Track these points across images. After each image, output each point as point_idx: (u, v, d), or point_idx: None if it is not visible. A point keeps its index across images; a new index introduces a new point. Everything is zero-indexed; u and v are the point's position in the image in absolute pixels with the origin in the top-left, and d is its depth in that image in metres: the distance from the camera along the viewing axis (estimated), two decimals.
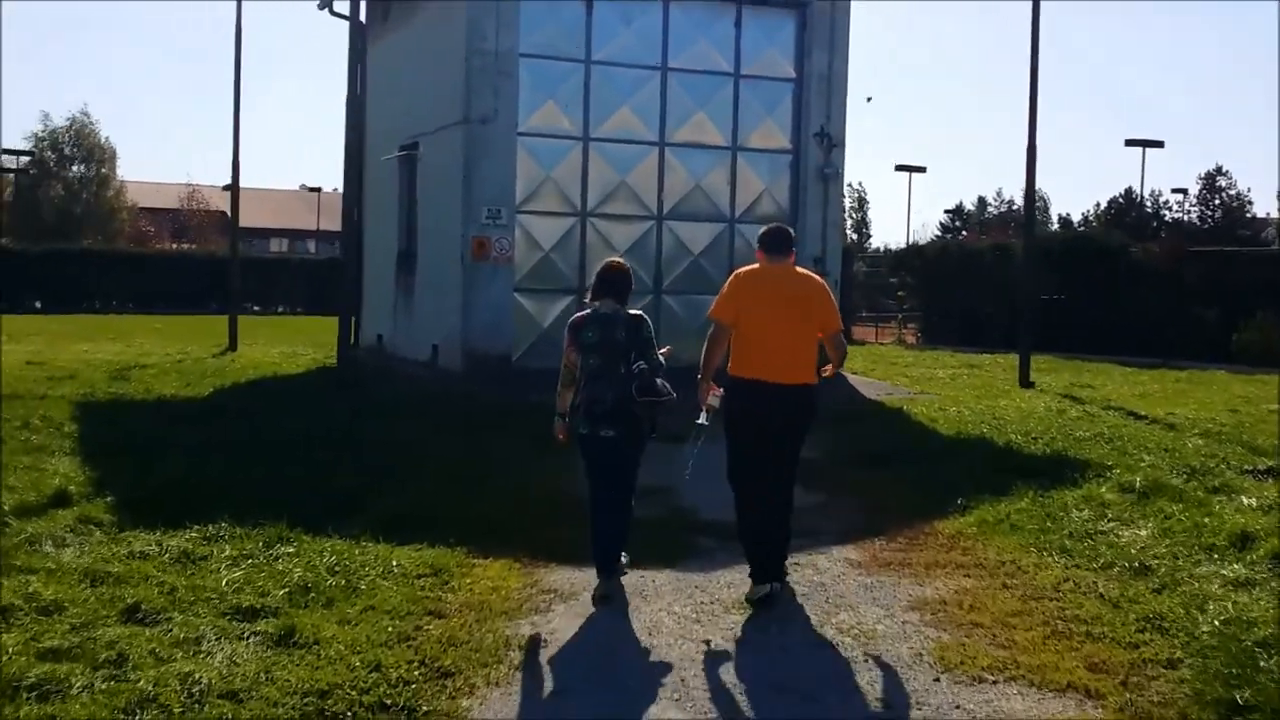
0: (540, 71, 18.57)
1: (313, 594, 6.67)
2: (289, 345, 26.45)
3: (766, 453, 7.14)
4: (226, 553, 7.40)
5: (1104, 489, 9.83)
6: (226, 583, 6.77)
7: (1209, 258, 30.03)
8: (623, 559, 7.29)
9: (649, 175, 19.52)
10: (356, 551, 7.53)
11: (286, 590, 6.68)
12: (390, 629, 6.23)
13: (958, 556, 8.00)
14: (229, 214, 78.24)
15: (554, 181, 18.92)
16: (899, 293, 37.78)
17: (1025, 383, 20.00)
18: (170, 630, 6.02)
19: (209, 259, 47.95)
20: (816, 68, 20.10)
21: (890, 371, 22.67)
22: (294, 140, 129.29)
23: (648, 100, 19.37)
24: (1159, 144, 56.28)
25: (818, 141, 20.19)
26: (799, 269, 7.41)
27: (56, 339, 26.54)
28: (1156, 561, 7.55)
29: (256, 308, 49.73)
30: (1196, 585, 7.03)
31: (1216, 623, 6.25)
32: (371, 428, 12.78)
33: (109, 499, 8.90)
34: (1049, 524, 8.61)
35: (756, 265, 7.32)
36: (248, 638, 6.00)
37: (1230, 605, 6.52)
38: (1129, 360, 25.74)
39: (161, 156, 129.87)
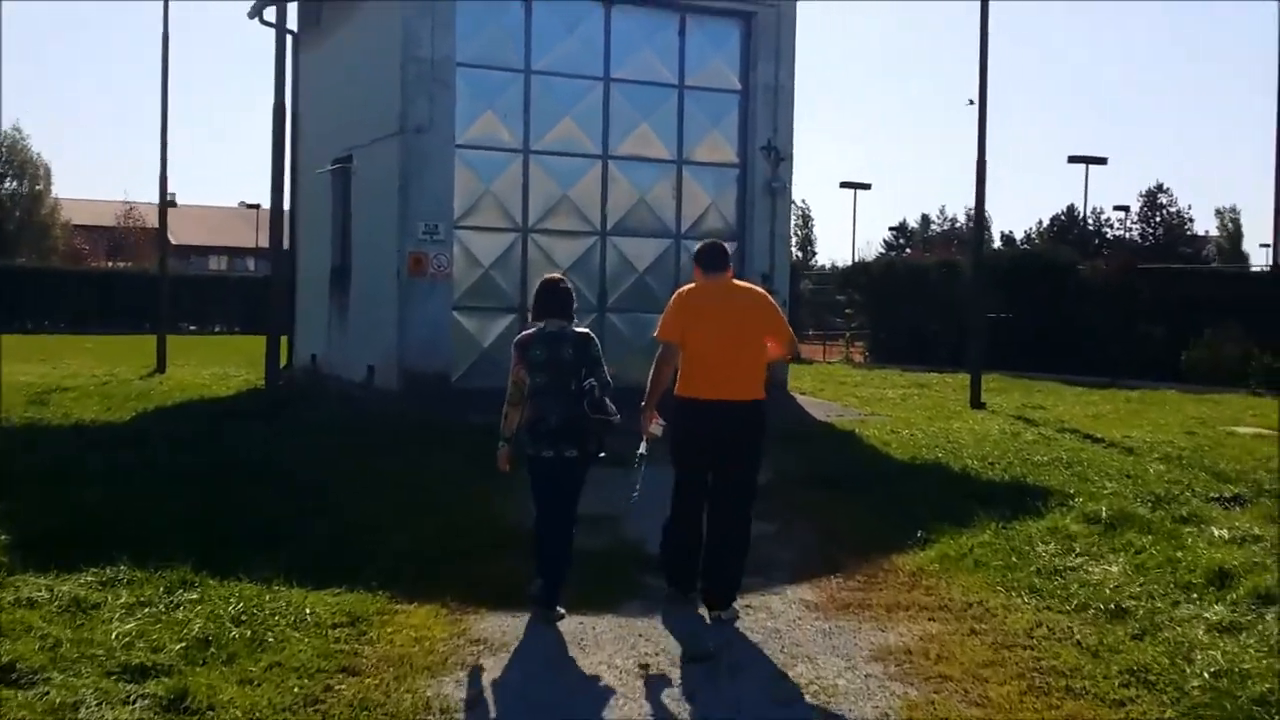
0: (478, 81, 17.94)
1: (213, 649, 5.97)
2: (222, 366, 25.60)
3: (714, 472, 7.01)
4: (123, 599, 6.66)
5: (1068, 519, 9.35)
6: (117, 636, 6.06)
7: (1156, 275, 29.89)
8: (559, 609, 6.96)
9: (592, 189, 18.94)
10: (267, 597, 6.81)
11: (184, 645, 5.98)
12: (296, 690, 5.56)
13: (921, 596, 7.43)
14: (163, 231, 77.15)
15: (493, 195, 18.29)
16: (846, 310, 37.40)
17: (976, 403, 19.60)
18: (46, 694, 5.31)
19: (143, 277, 46.56)
20: (762, 79, 19.63)
21: (839, 391, 22.22)
22: (233, 156, 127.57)
23: (590, 111, 18.79)
24: (1102, 160, 56.85)
25: (765, 155, 19.70)
26: (739, 282, 7.38)
27: None
28: (1133, 603, 7.02)
29: (193, 327, 48.80)
30: (1179, 630, 6.49)
31: (1207, 675, 5.72)
32: (296, 453, 12.06)
33: (3, 538, 8.12)
34: (1015, 559, 8.07)
35: (695, 284, 7.23)
36: (134, 702, 5.31)
37: (1219, 655, 5.98)
38: (1077, 379, 25.52)
39: (98, 174, 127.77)
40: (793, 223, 20.45)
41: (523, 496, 9.76)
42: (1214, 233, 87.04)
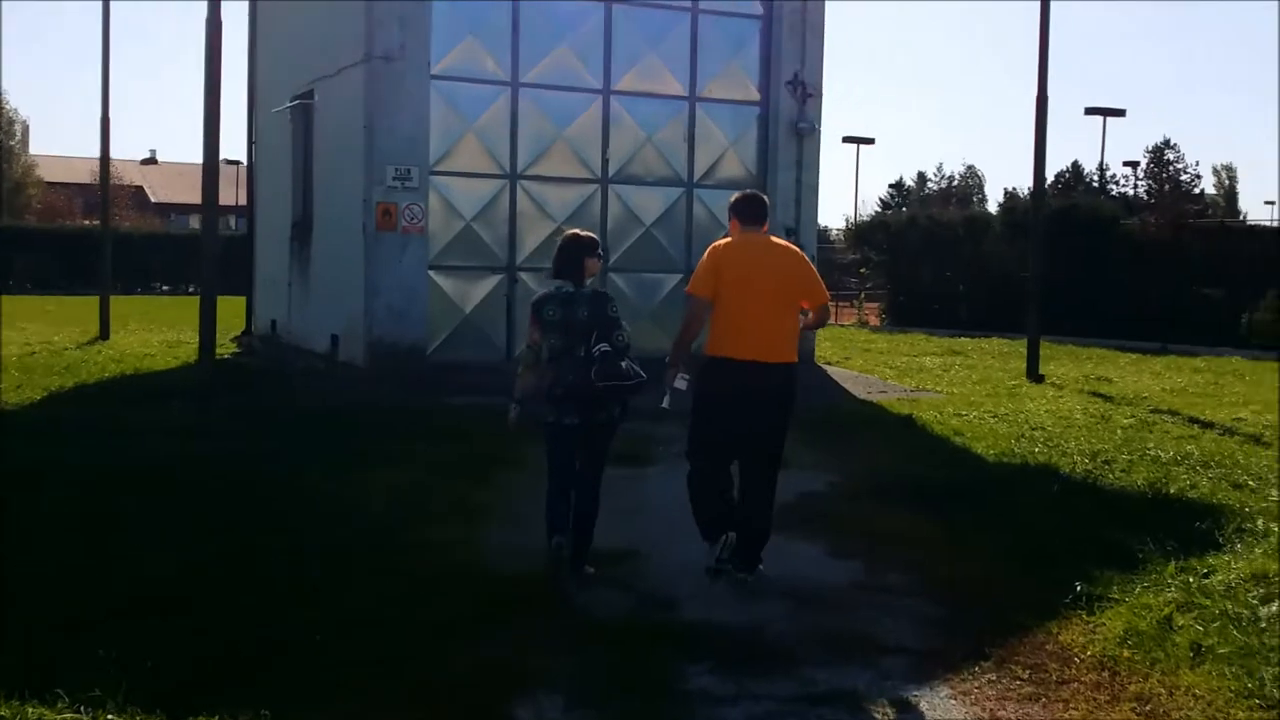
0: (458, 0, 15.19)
1: None
2: (178, 331, 22.83)
3: (739, 438, 6.68)
4: None
5: (1260, 553, 6.75)
6: None
7: (1208, 231, 27.22)
8: (588, 569, 6.56)
9: (591, 129, 16.25)
10: None
11: None
12: None
13: (1135, 717, 4.78)
14: (145, 189, 74.10)
15: (476, 136, 15.57)
16: (861, 270, 34.68)
17: (1034, 376, 17.02)
18: None
19: (115, 235, 43.54)
20: (788, 3, 16.88)
21: (869, 361, 19.60)
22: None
23: (589, 38, 16.06)
24: (1120, 112, 53.93)
25: (790, 91, 17.02)
26: (776, 239, 7.12)
27: None
28: None
29: (166, 287, 46.56)
30: None
31: None
32: (210, 457, 9.35)
33: None
34: (1243, 636, 5.40)
35: (731, 238, 6.89)
36: None
37: None
38: (1126, 345, 22.98)
39: (77, 131, 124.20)
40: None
41: (514, 519, 7.34)
42: (1210, 190, 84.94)
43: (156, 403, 12.57)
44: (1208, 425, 12.29)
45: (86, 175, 72.99)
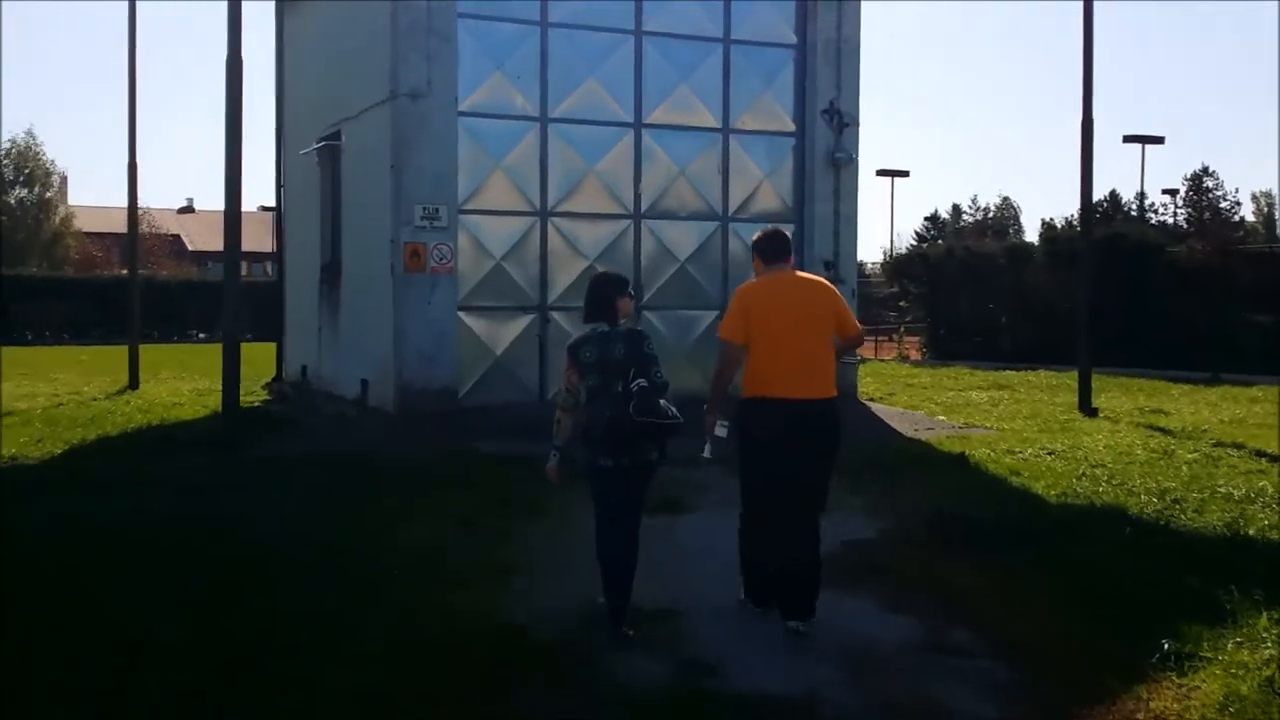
0: (485, 35, 14.85)
1: None
2: (210, 379, 22.49)
3: (789, 480, 6.41)
4: None
5: None
6: None
7: (1258, 258, 26.52)
8: (626, 631, 6.17)
9: (623, 164, 15.81)
10: None
11: None
12: None
13: None
14: (182, 237, 74.43)
15: (505, 172, 15.16)
16: (900, 303, 34.09)
17: (1087, 409, 16.42)
18: None
19: (152, 284, 43.54)
20: (823, 31, 16.48)
21: (914, 396, 19.03)
22: (252, 161, 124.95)
23: (619, 71, 15.66)
24: (1159, 140, 53.23)
25: (827, 120, 16.56)
26: (801, 274, 6.96)
27: None
28: None
29: (203, 335, 46.55)
30: None
31: None
32: (225, 510, 8.93)
33: None
34: None
35: (758, 278, 6.82)
36: None
37: None
38: (1176, 375, 22.35)
39: (114, 180, 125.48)
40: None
41: (547, 574, 6.91)
42: (1250, 217, 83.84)
43: (178, 454, 12.18)
44: (1276, 459, 11.67)
45: (124, 225, 73.69)
